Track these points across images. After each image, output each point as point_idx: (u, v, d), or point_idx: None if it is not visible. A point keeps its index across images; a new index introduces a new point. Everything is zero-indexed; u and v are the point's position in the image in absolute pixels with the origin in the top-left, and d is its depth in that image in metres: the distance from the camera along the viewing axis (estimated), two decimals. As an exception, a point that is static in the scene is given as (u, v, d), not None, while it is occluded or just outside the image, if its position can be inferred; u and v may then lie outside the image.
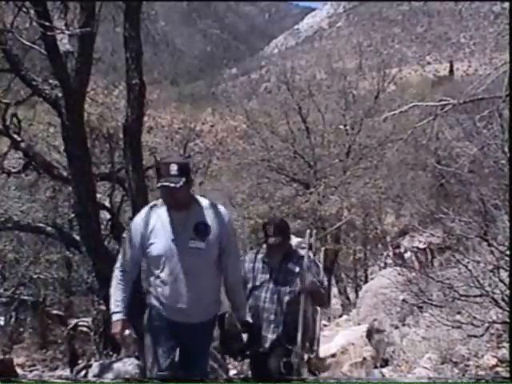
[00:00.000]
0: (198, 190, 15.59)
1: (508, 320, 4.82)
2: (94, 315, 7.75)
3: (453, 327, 5.42)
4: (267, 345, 3.56)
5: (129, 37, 6.21)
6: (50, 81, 6.26)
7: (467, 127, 8.89)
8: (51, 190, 11.38)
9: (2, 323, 11.93)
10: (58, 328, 10.98)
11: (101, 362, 6.08)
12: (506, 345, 5.17)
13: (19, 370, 8.10)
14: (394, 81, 19.41)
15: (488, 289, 4.92)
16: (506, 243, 4.98)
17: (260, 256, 3.74)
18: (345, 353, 7.55)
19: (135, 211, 3.31)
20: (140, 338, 3.34)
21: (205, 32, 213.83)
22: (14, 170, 9.26)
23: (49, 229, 8.52)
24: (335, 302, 16.86)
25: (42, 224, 8.84)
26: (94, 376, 5.42)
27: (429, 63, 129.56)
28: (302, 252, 3.72)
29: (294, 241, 3.86)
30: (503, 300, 4.80)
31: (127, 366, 5.34)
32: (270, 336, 3.57)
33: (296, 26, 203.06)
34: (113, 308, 3.08)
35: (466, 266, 5.17)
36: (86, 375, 5.80)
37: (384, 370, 6.76)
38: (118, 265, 3.13)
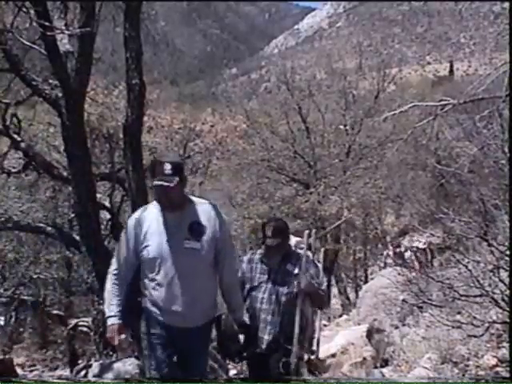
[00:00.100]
0: (198, 190, 15.61)
1: (508, 320, 4.82)
2: (94, 315, 7.73)
3: (453, 327, 5.41)
4: (264, 346, 3.52)
5: (129, 37, 6.21)
6: (50, 81, 6.26)
7: (467, 127, 8.88)
8: (51, 190, 11.39)
9: (2, 323, 11.94)
10: (58, 328, 10.97)
11: (101, 361, 6.08)
12: (506, 345, 5.17)
13: (19, 370, 8.11)
14: (393, 81, 19.42)
15: (488, 289, 4.91)
16: (506, 243, 4.98)
17: (258, 256, 3.70)
18: (345, 353, 7.55)
19: (135, 211, 3.27)
20: (138, 341, 3.30)
21: (205, 32, 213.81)
22: (14, 170, 9.27)
23: (49, 229, 8.53)
24: (335, 302, 16.86)
25: (42, 224, 8.85)
26: (94, 376, 5.42)
27: (429, 63, 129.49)
28: (302, 252, 3.69)
29: (294, 241, 3.83)
30: (503, 300, 4.80)
31: (127, 365, 5.34)
32: (266, 337, 3.53)
33: (296, 26, 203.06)
34: (107, 312, 3.04)
35: (466, 266, 5.16)
36: (86, 375, 5.81)
37: (384, 370, 6.76)
38: (112, 268, 3.09)
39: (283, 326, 3.52)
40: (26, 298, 11.82)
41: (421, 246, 13.75)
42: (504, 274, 4.88)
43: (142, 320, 3.12)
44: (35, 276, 11.76)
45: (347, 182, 16.08)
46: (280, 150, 17.09)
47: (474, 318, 5.12)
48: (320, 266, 3.83)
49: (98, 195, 7.90)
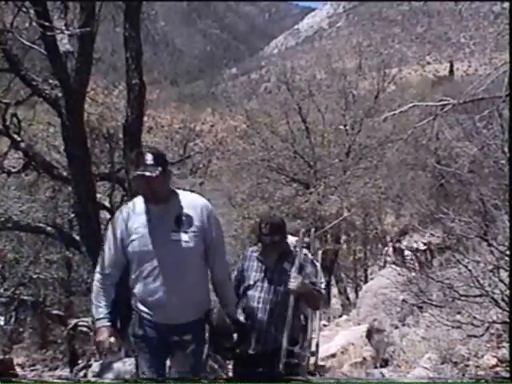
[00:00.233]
0: (198, 190, 15.61)
1: (508, 320, 4.81)
2: (94, 315, 7.72)
3: (453, 327, 5.41)
4: (260, 346, 3.44)
5: (129, 37, 6.22)
6: (50, 81, 6.26)
7: (467, 127, 8.89)
8: (51, 190, 11.39)
9: (2, 323, 11.93)
10: (58, 328, 10.96)
11: (101, 361, 6.07)
12: (506, 345, 5.17)
13: (19, 370, 8.12)
14: (393, 81, 19.41)
15: (488, 289, 4.91)
16: (506, 243, 4.98)
17: (255, 254, 3.60)
18: (345, 353, 7.56)
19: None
20: (129, 342, 3.17)
21: (205, 32, 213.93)
22: (14, 170, 9.26)
23: (49, 229, 8.52)
24: (335, 302, 16.86)
25: (42, 224, 8.85)
26: (94, 376, 5.41)
27: (429, 63, 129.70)
28: (305, 251, 3.63)
29: (293, 240, 3.76)
30: (503, 300, 4.80)
31: (127, 365, 5.33)
32: (262, 337, 3.44)
33: (296, 26, 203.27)
34: (96, 315, 2.93)
35: (466, 266, 5.16)
36: (85, 375, 5.80)
37: (384, 370, 6.76)
38: (98, 268, 2.99)
39: (279, 326, 3.42)
40: (26, 298, 11.81)
41: (421, 246, 13.75)
42: (504, 274, 4.88)
43: (132, 321, 3.03)
44: (35, 276, 11.75)
45: (347, 181, 16.07)
46: (280, 150, 17.09)
47: (474, 318, 5.12)
48: (318, 264, 3.77)
49: (98, 195, 7.91)
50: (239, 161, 17.31)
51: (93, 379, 5.31)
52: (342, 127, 17.24)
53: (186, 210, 2.92)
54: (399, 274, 7.02)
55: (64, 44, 6.02)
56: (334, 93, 18.03)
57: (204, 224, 2.94)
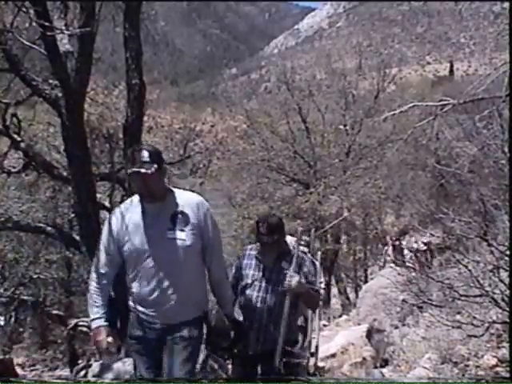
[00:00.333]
0: (198, 190, 15.61)
1: (508, 320, 4.81)
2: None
3: (453, 327, 5.41)
4: (258, 346, 3.42)
5: (129, 37, 6.22)
6: (50, 81, 6.26)
7: (467, 127, 8.90)
8: (51, 190, 11.39)
9: (2, 323, 11.94)
10: (58, 328, 10.97)
11: (101, 361, 6.07)
12: (506, 345, 5.17)
13: (19, 370, 8.12)
14: (393, 81, 19.43)
15: (488, 289, 4.91)
16: (506, 243, 4.98)
17: (254, 252, 3.57)
18: (345, 353, 7.55)
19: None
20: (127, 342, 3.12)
21: (205, 32, 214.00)
22: (14, 170, 9.26)
23: (49, 229, 8.51)
24: (335, 302, 16.87)
25: (41, 224, 8.83)
26: (94, 376, 5.41)
27: (429, 63, 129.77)
28: (304, 249, 3.61)
29: (292, 240, 3.74)
30: (503, 300, 4.80)
31: (127, 365, 5.33)
32: (261, 337, 3.42)
33: (296, 26, 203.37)
34: (92, 315, 2.89)
35: (466, 266, 5.16)
36: (85, 375, 5.80)
37: (384, 370, 6.76)
38: (93, 268, 2.95)
39: (278, 326, 3.41)
40: (26, 297, 11.81)
41: (421, 246, 13.74)
42: (504, 274, 4.88)
43: (130, 322, 3.00)
44: (35, 276, 11.76)
45: (347, 181, 16.08)
46: (280, 150, 17.10)
47: (474, 318, 5.11)
48: (318, 264, 3.74)
49: (98, 195, 7.90)
50: (239, 161, 17.33)
51: (93, 379, 5.31)
52: (341, 127, 17.25)
53: (181, 208, 2.89)
54: (399, 274, 7.02)
55: (64, 44, 6.02)
56: (334, 93, 18.05)
57: (200, 222, 2.91)
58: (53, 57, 5.79)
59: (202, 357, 4.15)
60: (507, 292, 4.74)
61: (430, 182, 17.28)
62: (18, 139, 8.47)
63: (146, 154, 2.81)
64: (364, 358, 7.37)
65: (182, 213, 2.88)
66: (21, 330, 12.10)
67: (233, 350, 3.34)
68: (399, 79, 21.55)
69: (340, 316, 13.29)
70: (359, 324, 9.54)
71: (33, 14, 5.30)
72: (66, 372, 8.59)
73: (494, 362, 5.25)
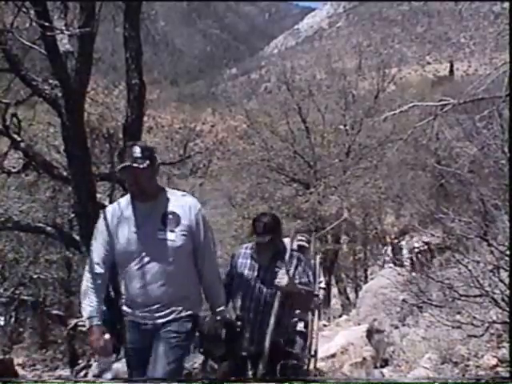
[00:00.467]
0: (198, 189, 15.62)
1: (508, 320, 4.81)
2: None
3: (453, 327, 5.41)
4: (252, 346, 3.40)
5: (129, 37, 6.22)
6: (50, 81, 6.26)
7: (467, 127, 8.90)
8: (51, 190, 11.39)
9: (2, 323, 11.94)
10: (58, 328, 10.98)
11: (97, 362, 6.07)
12: (506, 345, 5.17)
13: (19, 370, 8.12)
14: (393, 81, 19.42)
15: (488, 289, 4.91)
16: (506, 243, 4.98)
17: (250, 252, 3.54)
18: (345, 353, 7.54)
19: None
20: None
21: (205, 32, 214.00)
22: (14, 170, 9.25)
23: (49, 229, 8.51)
24: (335, 302, 16.85)
25: (41, 224, 8.84)
26: (94, 376, 5.41)
27: (429, 63, 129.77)
28: (304, 244, 3.58)
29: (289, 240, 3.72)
30: (503, 300, 4.80)
31: (126, 366, 5.33)
32: (255, 337, 3.40)
33: (296, 26, 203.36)
34: (86, 314, 2.83)
35: (466, 266, 5.16)
36: (85, 375, 5.81)
37: (384, 370, 6.75)
38: (87, 267, 2.90)
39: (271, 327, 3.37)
40: (26, 297, 11.81)
41: (421, 246, 13.75)
42: (504, 274, 4.88)
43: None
44: (35, 276, 11.75)
45: (347, 181, 16.07)
46: (280, 150, 17.10)
47: (474, 318, 5.11)
48: (317, 264, 3.72)
49: (98, 195, 7.89)
50: (239, 161, 17.32)
51: (93, 379, 5.31)
52: (341, 127, 17.25)
53: (173, 208, 2.86)
54: (399, 274, 7.04)
55: (64, 44, 6.01)
56: (334, 93, 18.05)
57: (192, 224, 2.87)
58: (53, 57, 5.78)
59: (201, 357, 4.13)
60: (507, 292, 4.75)
61: (430, 182, 17.25)
62: (18, 139, 8.46)
63: (138, 149, 2.78)
64: (364, 358, 7.36)
65: (173, 213, 2.85)
66: (21, 329, 12.10)
67: (226, 356, 3.27)
68: (399, 79, 21.57)
69: (340, 316, 13.28)
70: (359, 324, 9.54)
71: (33, 14, 5.29)
72: (66, 372, 8.60)
73: (494, 362, 5.25)
